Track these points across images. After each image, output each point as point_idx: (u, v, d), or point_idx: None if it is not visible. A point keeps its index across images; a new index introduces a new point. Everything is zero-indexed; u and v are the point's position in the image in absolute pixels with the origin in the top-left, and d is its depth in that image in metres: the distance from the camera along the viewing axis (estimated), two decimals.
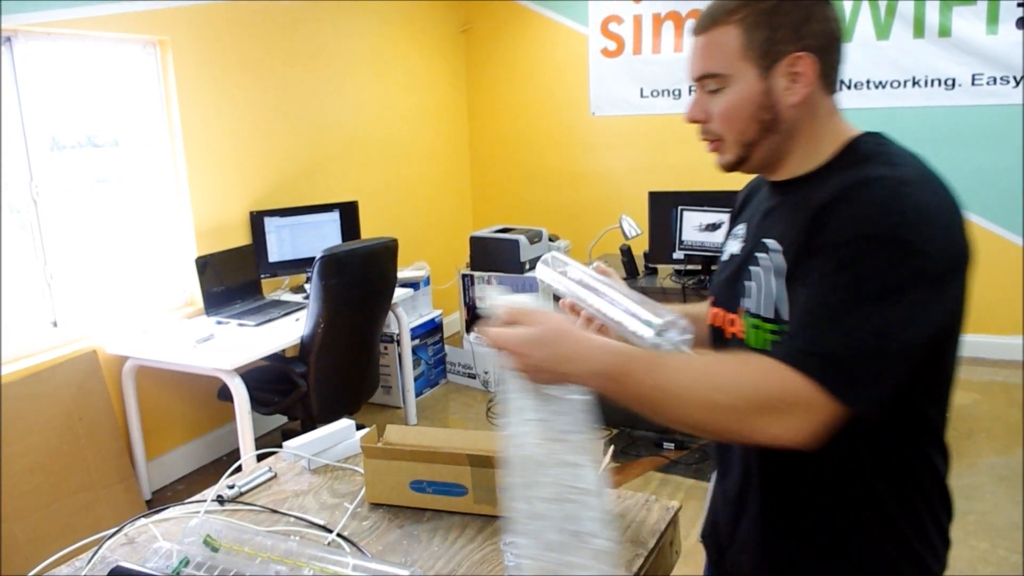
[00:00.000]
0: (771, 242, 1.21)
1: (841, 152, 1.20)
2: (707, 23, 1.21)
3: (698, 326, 1.39)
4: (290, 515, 1.59)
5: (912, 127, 5.01)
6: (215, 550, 1.38)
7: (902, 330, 1.05)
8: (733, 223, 1.44)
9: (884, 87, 5.15)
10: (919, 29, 5.00)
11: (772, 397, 1.05)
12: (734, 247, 1.37)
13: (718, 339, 1.36)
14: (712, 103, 1.22)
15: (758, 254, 1.24)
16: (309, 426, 3.67)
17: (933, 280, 1.06)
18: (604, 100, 5.93)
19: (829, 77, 1.21)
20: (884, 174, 1.10)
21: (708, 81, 1.21)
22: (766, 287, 1.20)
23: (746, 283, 1.25)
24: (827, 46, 1.19)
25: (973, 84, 4.95)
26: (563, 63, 6.02)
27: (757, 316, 1.22)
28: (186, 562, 1.36)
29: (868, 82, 5.18)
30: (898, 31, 5.06)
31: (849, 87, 5.21)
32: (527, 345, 1.12)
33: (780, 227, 1.22)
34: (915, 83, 5.09)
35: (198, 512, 1.59)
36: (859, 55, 5.15)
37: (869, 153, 1.18)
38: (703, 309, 1.46)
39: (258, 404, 3.64)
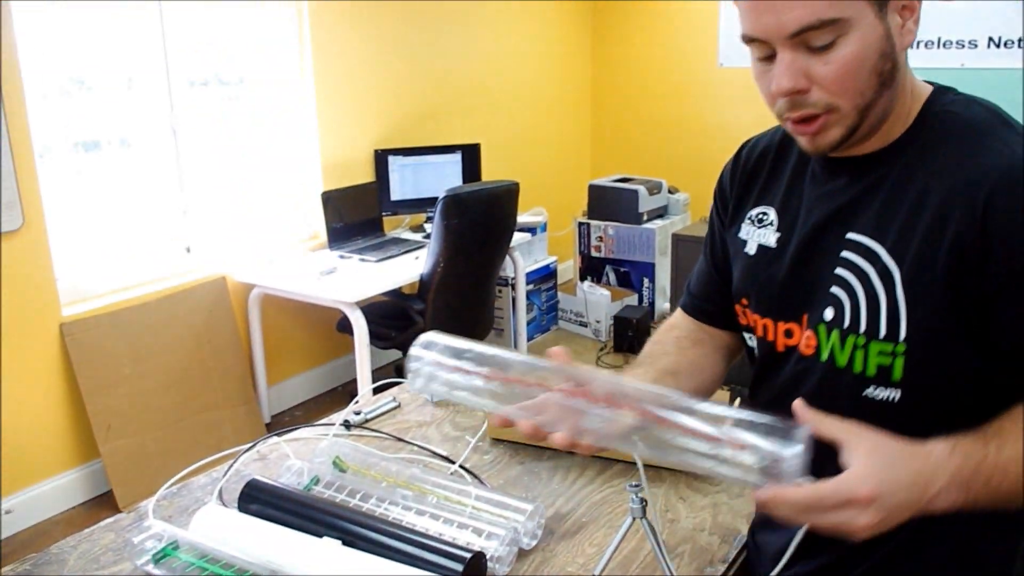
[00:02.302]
0: (865, 240, 1.02)
1: (921, 118, 1.02)
2: None
3: (692, 379, 1.23)
4: (414, 444, 1.62)
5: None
6: (343, 471, 1.43)
7: None
8: (740, 203, 1.23)
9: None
10: None
11: None
12: (763, 237, 1.17)
13: (766, 354, 1.17)
14: (816, 64, 0.95)
15: (846, 254, 1.03)
16: None
17: None
18: (733, 51, 5.73)
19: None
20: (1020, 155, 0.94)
21: (815, 35, 0.93)
22: (869, 298, 1.01)
23: (830, 290, 1.05)
24: None
25: None
26: (692, 12, 5.84)
27: (855, 333, 1.02)
28: (316, 480, 1.40)
29: (1020, 41, 4.83)
30: None
31: (999, 45, 4.87)
32: (878, 486, 0.84)
33: (870, 219, 1.02)
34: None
35: (327, 435, 1.64)
36: (1013, 9, 4.80)
37: (969, 121, 1.00)
38: (689, 357, 1.27)
39: (375, 338, 3.72)
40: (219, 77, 3.80)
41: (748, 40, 0.99)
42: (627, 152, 6.34)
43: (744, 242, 1.20)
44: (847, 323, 1.03)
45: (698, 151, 6.00)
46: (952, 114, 1.01)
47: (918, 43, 5.06)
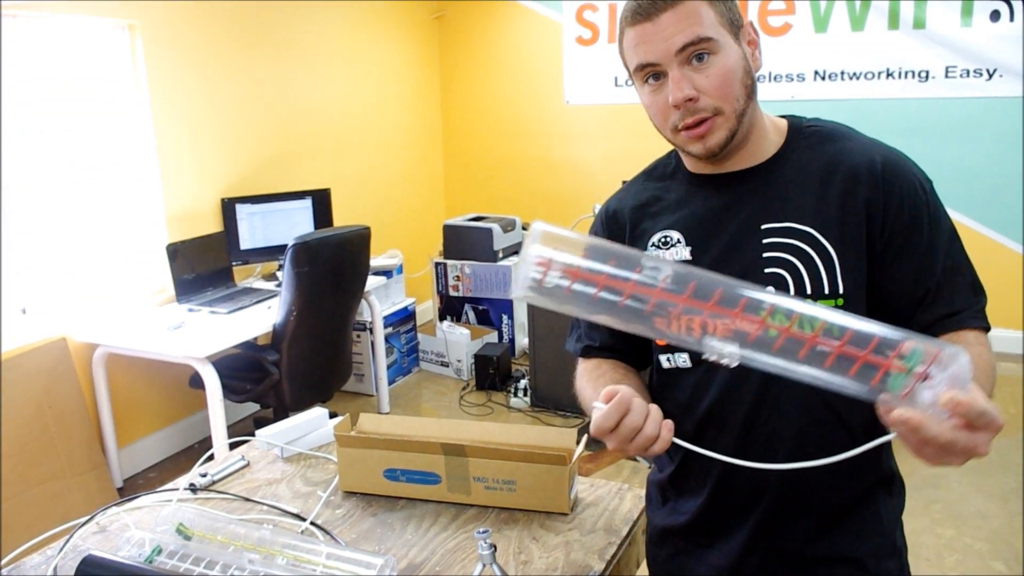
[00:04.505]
0: (783, 224, 1.19)
1: (793, 134, 1.27)
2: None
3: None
4: (263, 503, 1.58)
5: (885, 119, 5.04)
6: (188, 538, 1.38)
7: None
8: (636, 232, 1.32)
9: (858, 78, 5.18)
10: (894, 21, 5.03)
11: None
12: (676, 254, 1.27)
13: (700, 361, 1.24)
14: (699, 77, 1.15)
15: (769, 239, 1.19)
16: (281, 414, 3.66)
17: None
18: (578, 89, 5.92)
19: None
20: (885, 145, 1.24)
21: (694, 49, 1.13)
22: (807, 264, 1.18)
23: (764, 272, 1.19)
24: None
25: (947, 76, 4.99)
26: (537, 51, 6.01)
27: (802, 296, 1.17)
28: (159, 551, 1.35)
29: (842, 73, 5.20)
30: (873, 23, 5.08)
31: (824, 78, 5.24)
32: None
33: (781, 207, 1.20)
34: (889, 75, 5.12)
35: (170, 500, 1.58)
36: (834, 46, 5.18)
37: (834, 130, 1.27)
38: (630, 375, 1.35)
39: (230, 392, 3.62)
40: (52, 125, 3.64)
41: (641, 67, 1.18)
42: (480, 191, 6.43)
43: (654, 264, 1.26)
44: (792, 292, 1.19)
45: (549, 187, 6.14)
46: (818, 126, 1.28)
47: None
